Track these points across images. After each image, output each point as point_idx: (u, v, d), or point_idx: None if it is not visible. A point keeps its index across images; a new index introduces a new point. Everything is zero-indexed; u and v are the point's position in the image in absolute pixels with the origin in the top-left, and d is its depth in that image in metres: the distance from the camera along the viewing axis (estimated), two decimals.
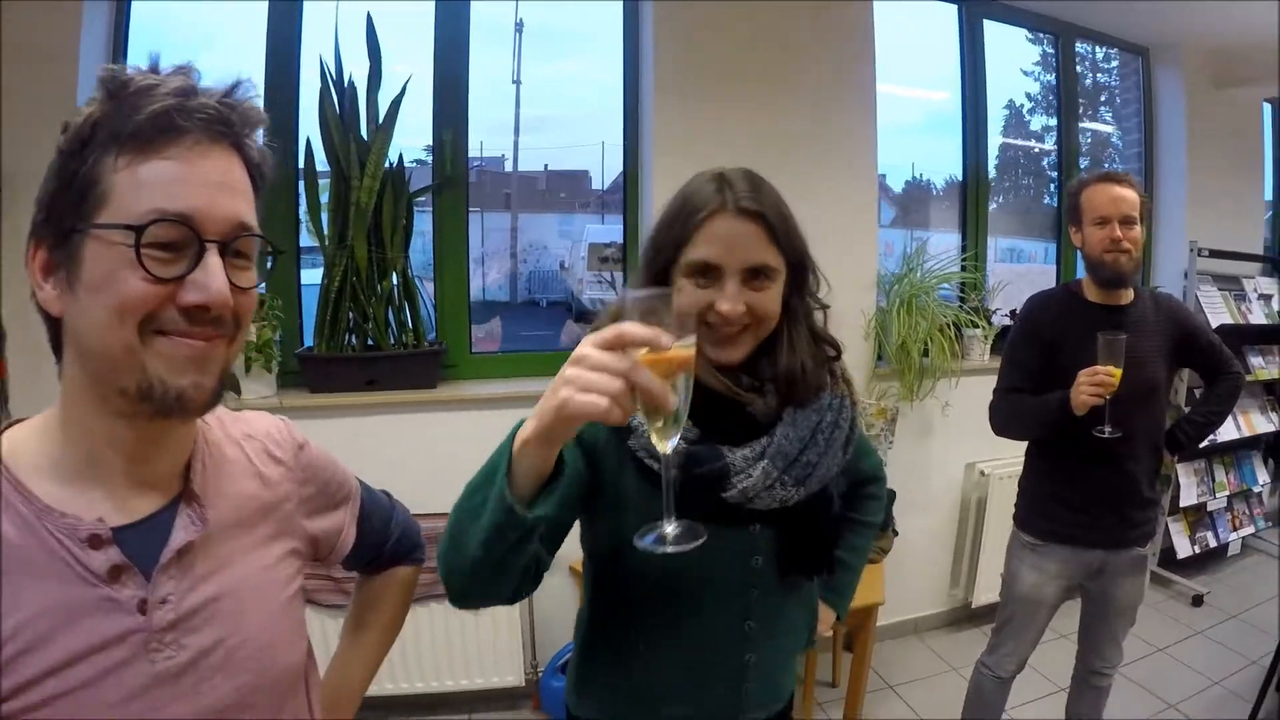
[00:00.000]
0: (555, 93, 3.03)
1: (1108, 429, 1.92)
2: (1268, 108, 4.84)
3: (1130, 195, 1.99)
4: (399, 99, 2.52)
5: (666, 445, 0.81)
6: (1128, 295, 2.08)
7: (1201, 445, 3.76)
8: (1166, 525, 3.99)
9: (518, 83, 3.23)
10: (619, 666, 1.10)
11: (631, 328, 0.73)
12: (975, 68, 3.53)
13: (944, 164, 4.08)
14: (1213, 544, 4.15)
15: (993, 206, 4.30)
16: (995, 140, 4.27)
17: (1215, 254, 3.92)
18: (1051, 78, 4.47)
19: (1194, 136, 4.05)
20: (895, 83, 3.72)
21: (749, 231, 1.03)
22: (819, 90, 2.90)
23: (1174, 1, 3.43)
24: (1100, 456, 2.03)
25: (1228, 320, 3.94)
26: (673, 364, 0.76)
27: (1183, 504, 3.97)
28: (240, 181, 0.71)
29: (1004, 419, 2.16)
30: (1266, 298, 4.30)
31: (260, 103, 0.74)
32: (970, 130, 3.57)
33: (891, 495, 2.89)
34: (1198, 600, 3.81)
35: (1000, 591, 2.31)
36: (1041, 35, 3.94)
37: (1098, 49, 4.21)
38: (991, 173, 4.30)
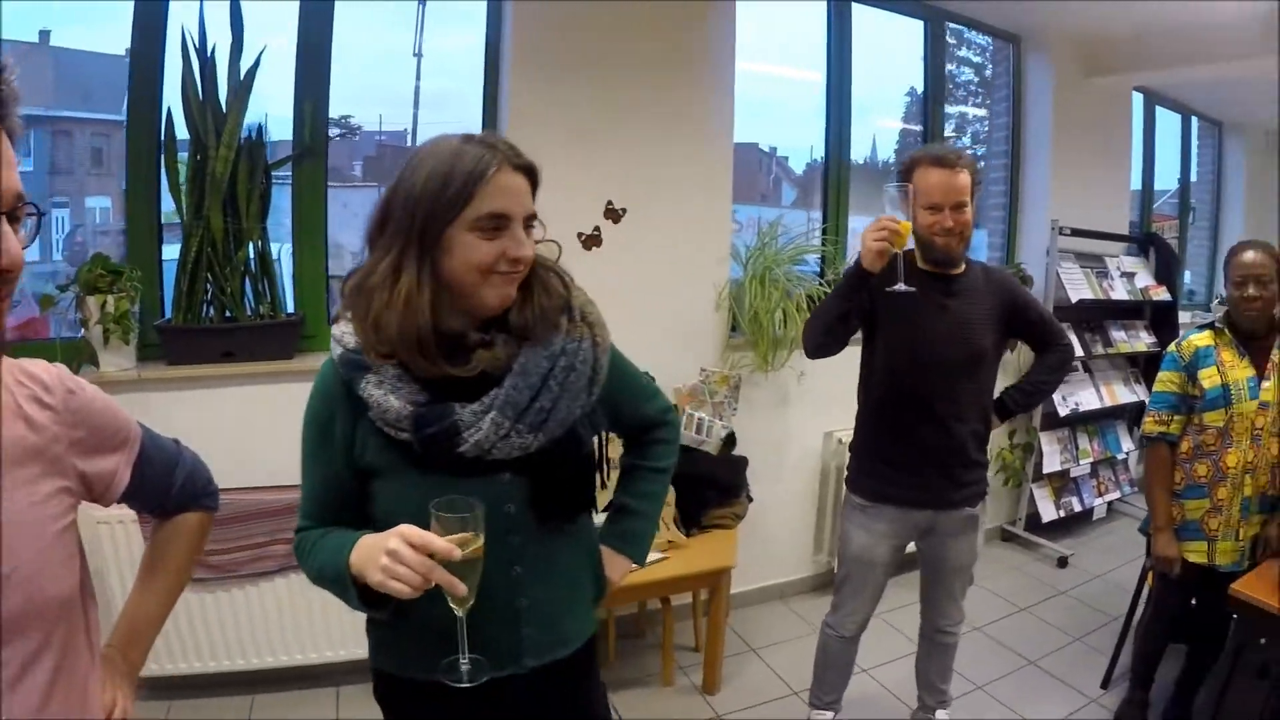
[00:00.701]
0: (459, 68, 3.04)
1: (901, 285, 1.93)
2: (1140, 96, 5.13)
3: (961, 180, 2.04)
4: (254, 70, 2.53)
5: (461, 611, 1.06)
6: (959, 266, 2.17)
7: (1064, 416, 4.07)
8: (1031, 491, 4.24)
9: (419, 55, 3.22)
10: (398, 617, 1.14)
11: (437, 543, 0.99)
12: (841, 52, 3.66)
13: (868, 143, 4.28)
14: (1077, 508, 4.42)
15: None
16: (896, 126, 4.46)
17: (1077, 233, 4.15)
18: (952, 66, 4.68)
19: (1061, 122, 4.26)
20: (794, 66, 3.85)
21: (523, 184, 1.14)
22: (676, 68, 2.99)
23: None
24: (926, 419, 2.13)
25: (1089, 296, 4.18)
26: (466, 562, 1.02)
27: (1046, 471, 4.23)
28: (10, 155, 0.79)
29: (809, 324, 2.15)
30: (1129, 275, 4.57)
31: (16, 84, 0.81)
32: (834, 112, 3.70)
33: (744, 462, 3.02)
34: (1063, 562, 4.07)
35: (837, 552, 2.40)
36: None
37: (978, 36, 4.40)
38: (891, 157, 4.48)
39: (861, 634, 2.40)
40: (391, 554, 1.00)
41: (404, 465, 1.15)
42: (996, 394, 2.28)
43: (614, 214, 2.92)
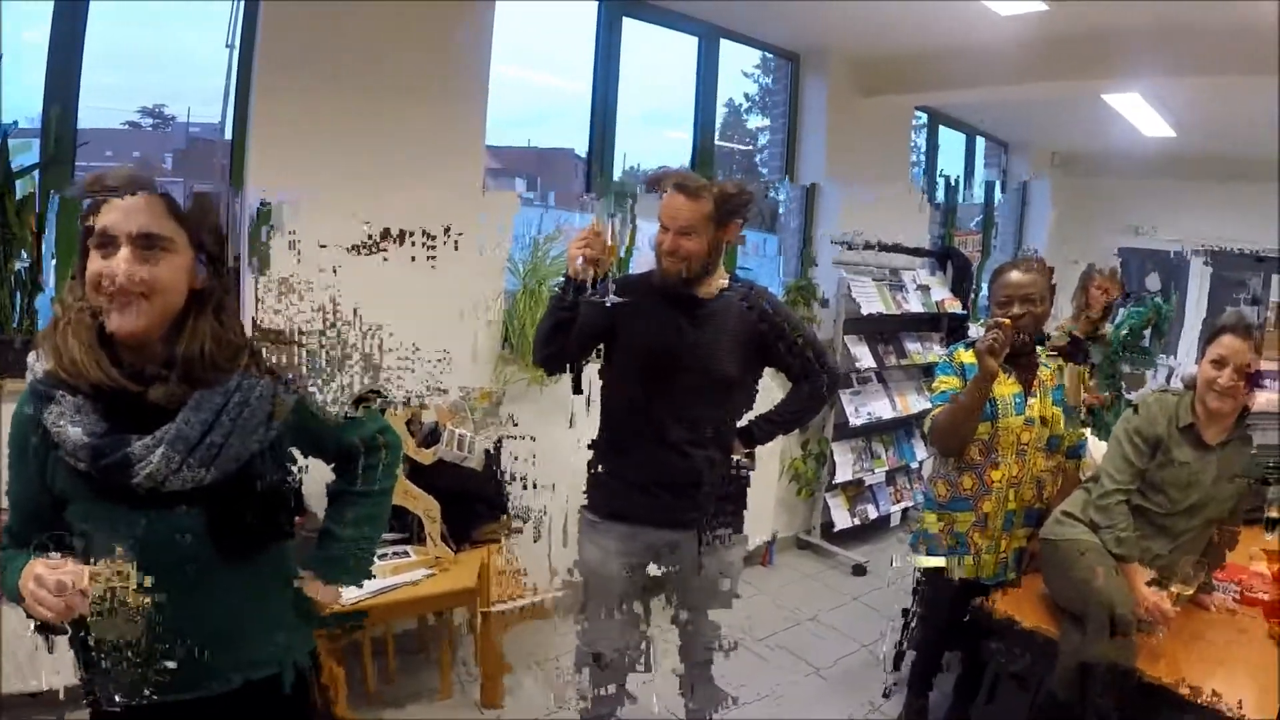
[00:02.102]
0: None
1: (604, 298, 2.06)
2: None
3: (695, 207, 2.08)
4: None
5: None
6: (711, 288, 2.19)
7: (857, 425, 4.39)
8: (825, 500, 4.55)
9: (231, 47, 3.17)
10: (82, 644, 1.23)
11: (67, 580, 1.10)
12: (609, 63, 3.82)
13: (664, 157, 4.48)
14: (874, 516, 4.80)
15: None
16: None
17: (868, 247, 4.51)
18: (769, 80, 4.96)
19: (837, 139, 4.62)
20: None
21: (148, 204, 1.21)
22: (431, 77, 3.07)
23: (824, 2, 3.80)
24: (659, 441, 2.17)
25: (881, 309, 4.55)
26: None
27: (839, 480, 4.57)
28: None
29: (535, 339, 2.28)
30: (925, 289, 4.97)
31: None
32: (598, 123, 3.85)
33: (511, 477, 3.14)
34: (859, 569, 4.38)
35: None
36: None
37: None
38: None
39: (620, 654, 2.40)
40: (38, 580, 1.10)
41: (89, 493, 1.23)
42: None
43: (377, 229, 2.97)
